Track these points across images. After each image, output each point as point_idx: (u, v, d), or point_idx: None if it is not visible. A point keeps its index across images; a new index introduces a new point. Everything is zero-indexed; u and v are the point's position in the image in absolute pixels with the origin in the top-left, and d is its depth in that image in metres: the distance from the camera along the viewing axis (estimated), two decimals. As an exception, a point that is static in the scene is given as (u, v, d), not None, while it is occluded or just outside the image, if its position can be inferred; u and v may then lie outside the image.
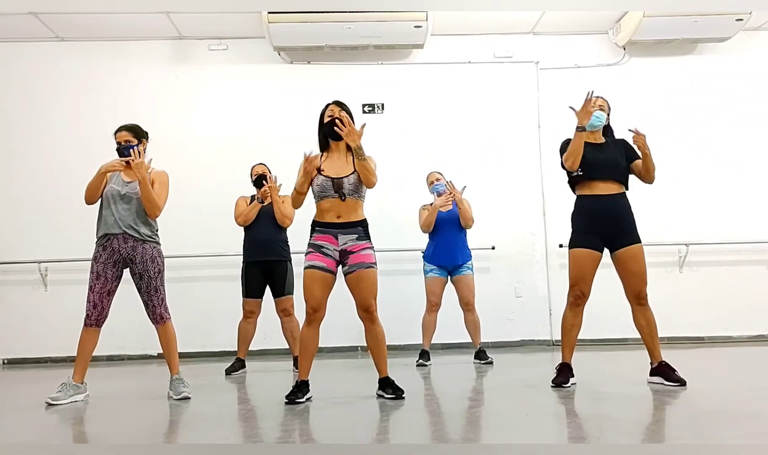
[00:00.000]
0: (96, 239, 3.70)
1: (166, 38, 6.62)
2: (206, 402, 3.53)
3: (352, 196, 3.38)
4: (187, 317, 5.59)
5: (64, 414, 3.26)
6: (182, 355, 5.66)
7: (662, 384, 3.52)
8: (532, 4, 6.04)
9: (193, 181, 6.15)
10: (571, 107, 3.70)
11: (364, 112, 6.53)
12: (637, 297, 3.63)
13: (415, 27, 6.09)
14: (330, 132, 3.43)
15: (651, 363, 3.67)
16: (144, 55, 6.59)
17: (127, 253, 3.64)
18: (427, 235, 5.14)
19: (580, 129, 3.60)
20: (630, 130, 3.62)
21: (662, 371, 3.58)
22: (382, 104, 6.64)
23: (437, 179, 5.11)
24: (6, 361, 6.21)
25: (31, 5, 5.74)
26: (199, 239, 6.20)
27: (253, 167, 4.99)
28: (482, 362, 4.91)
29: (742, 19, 6.10)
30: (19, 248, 6.25)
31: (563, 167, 3.74)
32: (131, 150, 3.65)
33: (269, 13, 5.87)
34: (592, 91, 3.61)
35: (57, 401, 3.47)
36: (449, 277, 5.06)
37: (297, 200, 3.46)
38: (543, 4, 6.05)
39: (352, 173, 3.38)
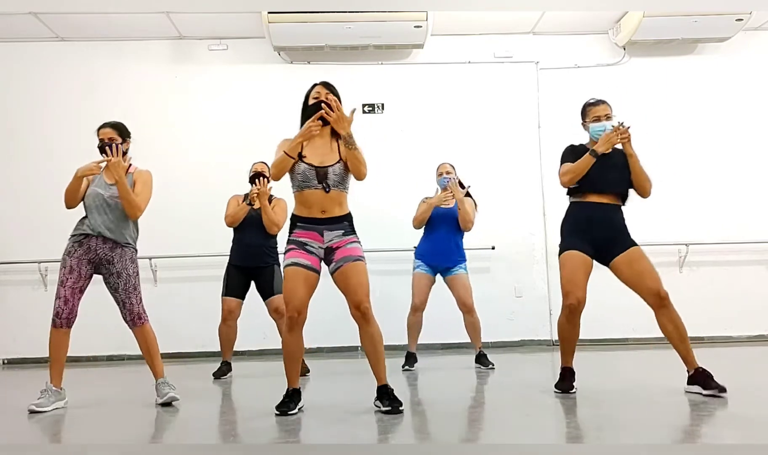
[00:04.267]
0: (71, 235, 3.55)
1: (166, 38, 6.62)
2: (205, 402, 3.53)
3: (337, 187, 3.05)
4: (187, 317, 5.59)
5: (64, 414, 3.26)
6: (182, 355, 5.65)
7: (699, 393, 3.16)
8: (532, 4, 6.04)
9: (193, 181, 6.15)
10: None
11: (364, 112, 6.53)
12: (656, 297, 3.26)
13: (415, 27, 6.09)
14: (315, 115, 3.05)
15: (687, 371, 3.28)
16: (144, 55, 6.58)
17: (104, 254, 3.49)
18: (421, 229, 4.90)
19: (594, 154, 3.38)
20: (613, 125, 3.37)
21: (699, 378, 3.20)
22: (382, 104, 6.64)
23: (447, 172, 4.81)
24: (6, 361, 6.20)
25: (31, 5, 5.74)
26: (198, 239, 6.18)
27: (254, 164, 4.98)
28: (484, 367, 4.72)
29: (742, 19, 6.10)
30: (19, 248, 6.25)
31: (559, 179, 3.57)
32: (109, 148, 3.49)
33: (269, 13, 5.88)
34: (623, 122, 3.39)
35: (41, 407, 3.28)
36: (442, 277, 4.84)
37: (284, 163, 3.02)
38: (543, 4, 6.05)
39: (338, 161, 3.06)
